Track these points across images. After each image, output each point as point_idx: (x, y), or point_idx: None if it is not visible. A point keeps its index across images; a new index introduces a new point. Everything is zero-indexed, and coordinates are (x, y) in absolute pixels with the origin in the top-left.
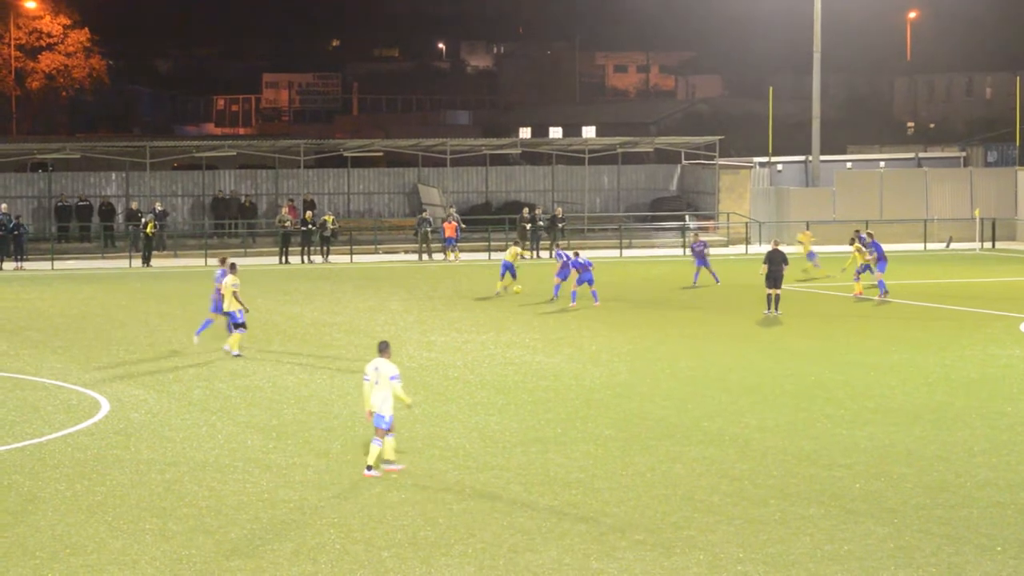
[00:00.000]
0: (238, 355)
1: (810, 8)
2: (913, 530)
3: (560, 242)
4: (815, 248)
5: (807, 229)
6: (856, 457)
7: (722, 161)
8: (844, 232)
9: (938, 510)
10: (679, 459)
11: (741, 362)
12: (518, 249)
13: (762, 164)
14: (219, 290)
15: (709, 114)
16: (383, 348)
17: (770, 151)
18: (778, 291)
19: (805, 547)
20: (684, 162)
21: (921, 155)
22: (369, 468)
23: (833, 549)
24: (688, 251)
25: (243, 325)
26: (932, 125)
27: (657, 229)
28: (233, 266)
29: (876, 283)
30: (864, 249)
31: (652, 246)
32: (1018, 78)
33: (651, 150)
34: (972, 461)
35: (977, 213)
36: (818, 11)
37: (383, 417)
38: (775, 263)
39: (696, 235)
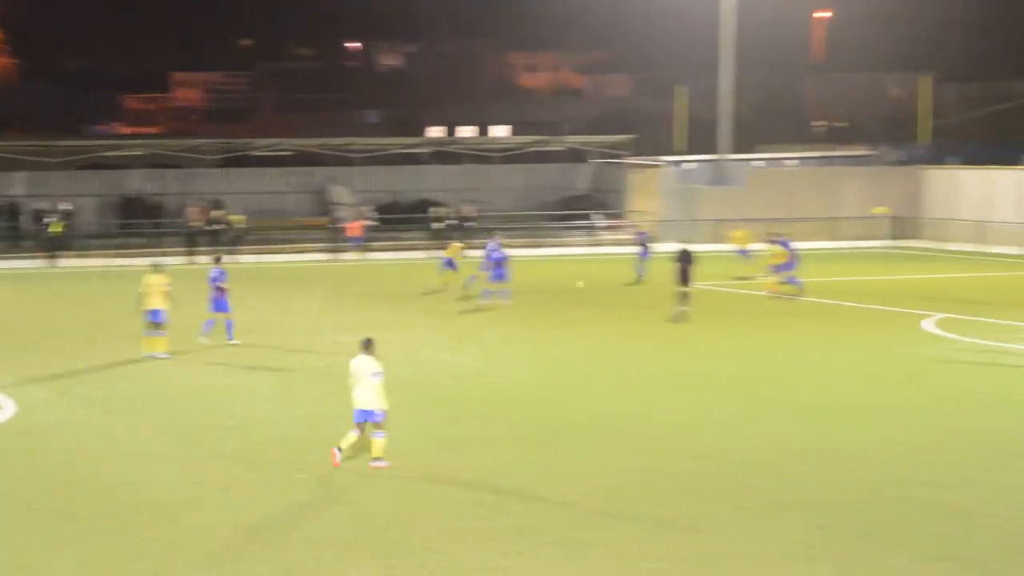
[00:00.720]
0: (165, 357)
1: (720, 7)
2: (815, 526)
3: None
4: (752, 246)
5: (741, 228)
6: (762, 454)
7: (632, 160)
8: (755, 231)
9: (839, 506)
10: (587, 457)
11: (650, 359)
12: (460, 245)
13: (672, 163)
14: (220, 288)
15: (620, 113)
16: (366, 345)
17: (680, 150)
18: (687, 289)
19: (711, 544)
20: (595, 161)
21: (831, 154)
22: (376, 459)
23: (738, 546)
24: (636, 249)
25: (162, 327)
26: (842, 124)
27: (568, 228)
28: (160, 265)
29: (788, 281)
30: (777, 248)
31: (563, 245)
32: (929, 79)
33: (562, 149)
34: (874, 456)
35: (882, 211)
36: (728, 10)
37: (372, 412)
38: (683, 262)
39: (638, 226)
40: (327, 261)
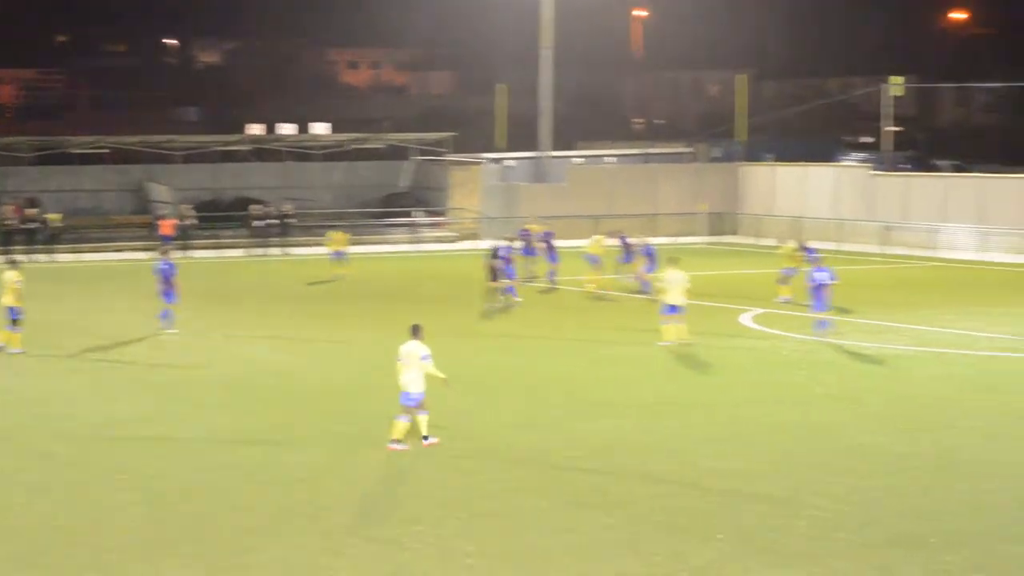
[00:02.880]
0: (19, 352)
1: (540, 5)
2: (638, 520)
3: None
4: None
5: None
6: (583, 450)
7: (453, 157)
8: (575, 227)
9: (661, 499)
10: (407, 454)
11: (471, 357)
12: (345, 235)
13: (493, 160)
14: (170, 280)
15: (441, 110)
16: (415, 331)
17: (501, 147)
18: (498, 285)
19: (532, 540)
20: (416, 158)
21: (650, 151)
22: (394, 442)
23: (560, 541)
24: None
25: (19, 323)
26: (661, 121)
27: (388, 225)
28: (16, 262)
29: (633, 277)
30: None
31: (384, 242)
32: (746, 76)
33: (383, 146)
34: (694, 451)
35: (703, 207)
36: (548, 8)
37: (409, 395)
38: (495, 258)
39: (521, 225)
40: (146, 260)
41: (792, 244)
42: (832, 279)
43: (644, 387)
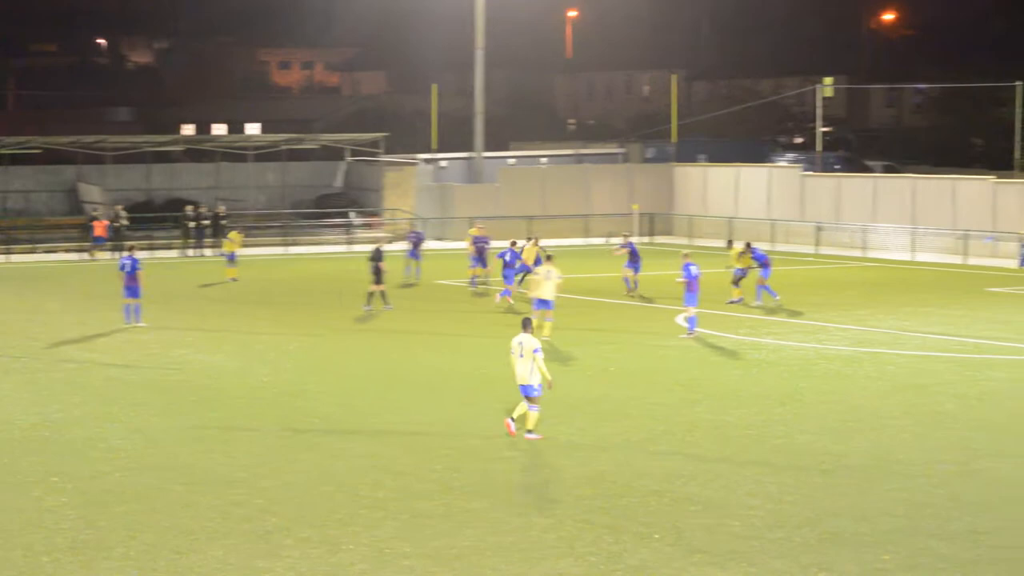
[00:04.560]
0: None
1: (473, 5)
2: (574, 520)
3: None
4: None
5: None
6: (518, 450)
7: (387, 158)
8: (509, 228)
9: (598, 500)
10: (344, 456)
11: (408, 358)
12: (239, 236)
13: (427, 160)
14: (134, 276)
15: (374, 111)
16: (526, 324)
17: (434, 147)
18: (382, 287)
19: (469, 540)
20: (349, 159)
21: (582, 151)
22: (529, 432)
23: (497, 541)
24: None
25: None
26: (592, 122)
27: (322, 226)
28: None
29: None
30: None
31: (318, 243)
32: (678, 77)
33: (316, 147)
34: (630, 452)
35: (636, 208)
36: (480, 8)
37: (531, 387)
38: (376, 260)
39: (412, 225)
40: (79, 261)
41: (739, 246)
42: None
43: (576, 387)
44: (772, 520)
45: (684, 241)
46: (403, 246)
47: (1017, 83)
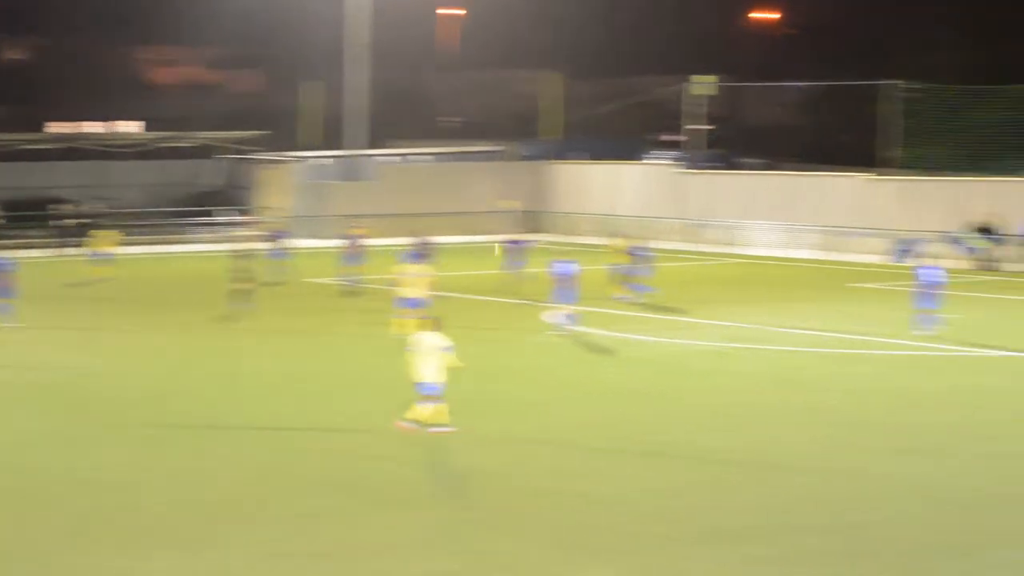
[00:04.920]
0: None
1: (352, 2)
2: (450, 517)
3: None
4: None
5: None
6: (386, 448)
7: (264, 155)
8: (387, 226)
9: (474, 496)
10: (212, 455)
11: (275, 356)
12: (113, 235)
13: (304, 158)
14: (8, 276)
15: (251, 108)
16: (433, 323)
17: (312, 145)
18: (249, 286)
19: (340, 538)
20: (226, 157)
21: (462, 149)
22: (428, 426)
23: (368, 539)
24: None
25: None
26: (472, 120)
27: (198, 225)
28: None
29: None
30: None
31: (194, 242)
32: (558, 75)
33: (193, 145)
34: (507, 448)
35: (512, 204)
36: (356, 6)
37: (433, 384)
38: (242, 258)
39: (278, 223)
40: None
41: (620, 241)
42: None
43: (452, 384)
44: (651, 515)
45: (563, 239)
46: (269, 245)
47: (886, 82)
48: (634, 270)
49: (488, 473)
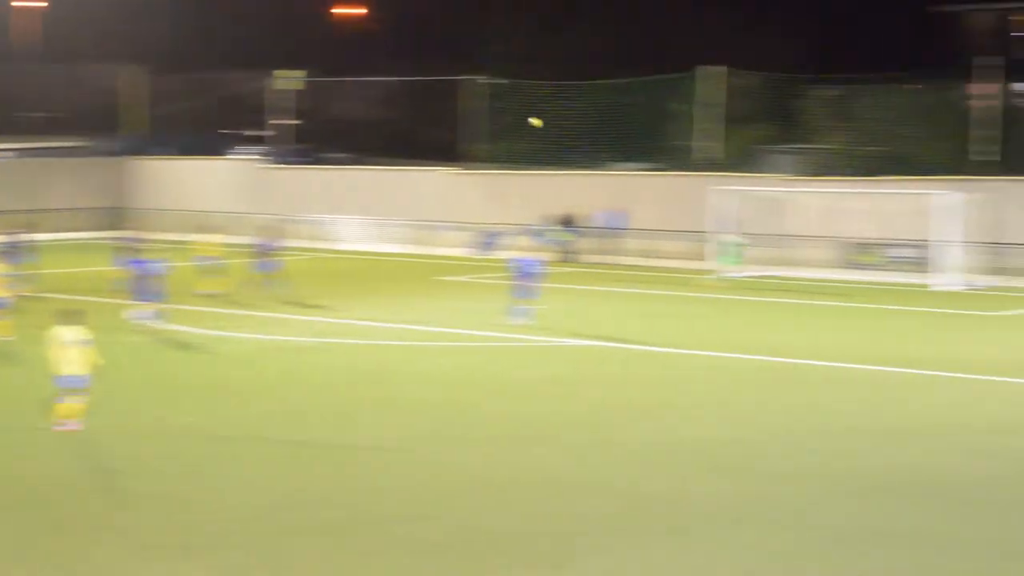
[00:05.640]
0: None
1: None
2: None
3: None
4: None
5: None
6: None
7: None
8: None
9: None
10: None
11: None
12: None
13: None
14: None
15: None
16: (69, 316)
17: None
18: None
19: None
20: None
21: (41, 145)
22: (64, 422)
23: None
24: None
25: None
26: (55, 115)
27: None
28: None
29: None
30: None
31: None
32: (142, 69)
33: None
34: (87, 450)
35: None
36: None
37: (78, 377)
38: None
39: None
40: None
41: (219, 238)
42: (158, 271)
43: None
44: (234, 511)
45: (146, 235)
46: None
47: (467, 77)
48: (264, 265)
49: (53, 476)
